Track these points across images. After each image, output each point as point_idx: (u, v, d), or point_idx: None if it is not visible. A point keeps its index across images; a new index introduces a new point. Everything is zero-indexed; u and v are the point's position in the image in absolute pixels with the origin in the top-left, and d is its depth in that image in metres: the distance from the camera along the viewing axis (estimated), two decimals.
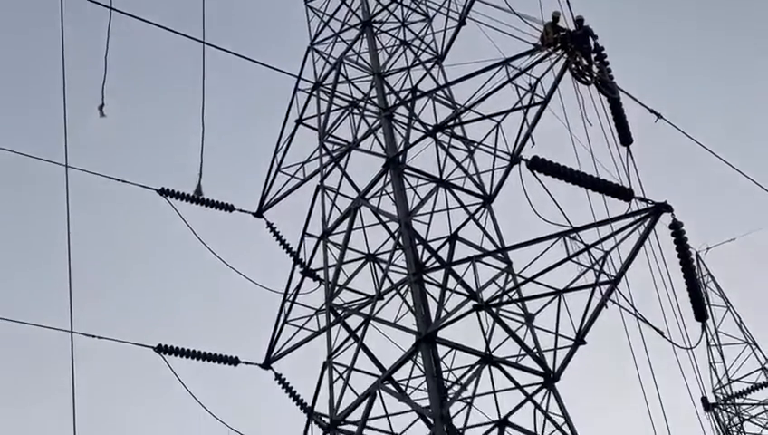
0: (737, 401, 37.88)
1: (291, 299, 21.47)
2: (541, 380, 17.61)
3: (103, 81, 20.34)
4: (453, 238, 18.14)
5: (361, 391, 17.75)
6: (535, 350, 17.87)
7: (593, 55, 18.63)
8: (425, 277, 18.20)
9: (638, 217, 17.19)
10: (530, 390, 17.55)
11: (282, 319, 21.36)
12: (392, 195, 19.82)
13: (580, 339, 17.43)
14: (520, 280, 18.26)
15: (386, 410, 18.02)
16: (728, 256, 44.09)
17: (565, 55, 18.40)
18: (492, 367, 17.41)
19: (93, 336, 19.22)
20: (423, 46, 24.30)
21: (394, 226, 19.29)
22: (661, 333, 17.19)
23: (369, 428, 17.53)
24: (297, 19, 25.91)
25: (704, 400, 33.64)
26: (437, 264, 18.09)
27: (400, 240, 18.80)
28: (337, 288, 19.79)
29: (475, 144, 21.10)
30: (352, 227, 20.11)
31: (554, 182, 16.90)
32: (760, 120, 69.49)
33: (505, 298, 18.10)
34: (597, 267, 17.41)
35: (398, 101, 21.43)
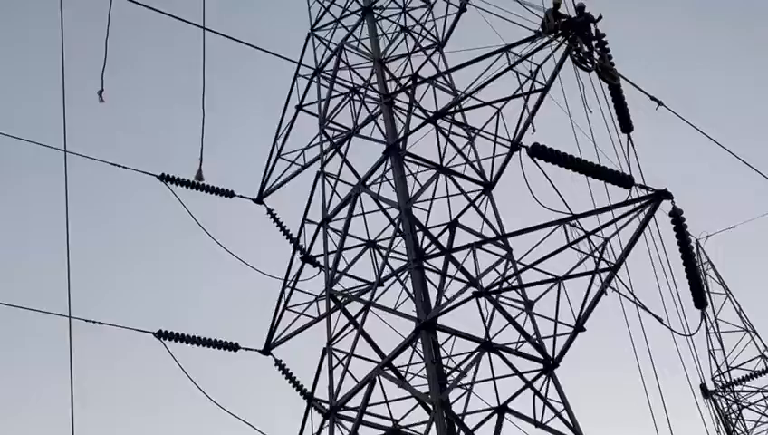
0: (736, 388, 37.96)
1: (291, 285, 21.47)
2: (540, 366, 17.64)
3: (103, 66, 20.24)
4: (453, 225, 18.14)
5: (361, 377, 17.78)
6: (535, 337, 17.89)
7: (594, 42, 18.60)
8: (425, 264, 18.22)
9: (638, 204, 17.19)
10: (529, 376, 17.57)
11: (282, 305, 21.37)
12: (392, 181, 19.82)
13: (579, 326, 17.46)
14: (520, 267, 18.26)
15: (385, 397, 18.05)
16: (728, 243, 44.17)
17: (566, 42, 18.37)
18: (491, 354, 17.44)
19: (93, 322, 19.23)
20: (424, 32, 24.23)
21: (394, 212, 19.29)
22: (660, 320, 17.22)
23: (369, 414, 17.57)
24: (297, 5, 25.86)
25: (703, 387, 33.68)
26: (437, 250, 18.11)
27: (400, 227, 18.80)
28: (337, 274, 19.81)
29: (476, 131, 21.08)
30: (352, 214, 20.12)
31: (554, 169, 16.88)
32: (761, 107, 69.50)
33: (505, 285, 18.10)
34: (597, 254, 17.43)
35: (398, 88, 21.39)
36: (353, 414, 17.59)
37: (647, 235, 17.26)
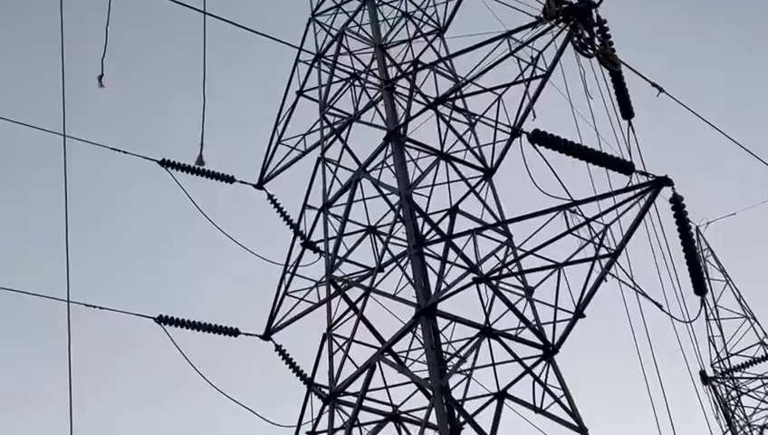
0: (735, 374, 38.02)
1: (291, 271, 21.48)
2: (540, 352, 17.66)
3: (103, 52, 20.25)
4: (453, 211, 18.13)
5: (361, 362, 17.81)
6: (535, 323, 17.91)
7: (595, 28, 18.55)
8: (425, 250, 18.22)
9: (638, 190, 17.17)
10: (529, 362, 17.60)
11: (282, 291, 21.39)
12: (393, 167, 19.80)
13: (579, 312, 17.48)
14: (520, 253, 18.26)
15: (385, 382, 18.10)
16: (728, 230, 44.19)
17: (567, 28, 18.31)
18: (491, 339, 17.46)
19: (93, 306, 19.25)
20: (425, 18, 24.17)
21: (395, 198, 19.29)
22: (660, 307, 17.22)
23: (369, 399, 17.62)
24: None
25: (702, 373, 33.78)
26: (438, 236, 18.11)
27: (401, 213, 18.80)
28: (337, 260, 19.82)
29: (477, 117, 21.06)
30: (353, 200, 20.12)
31: (555, 155, 16.86)
32: (763, 93, 69.38)
33: (505, 271, 18.10)
34: (597, 241, 17.42)
35: (399, 74, 21.36)
36: (353, 399, 17.62)
37: (647, 221, 17.26)
